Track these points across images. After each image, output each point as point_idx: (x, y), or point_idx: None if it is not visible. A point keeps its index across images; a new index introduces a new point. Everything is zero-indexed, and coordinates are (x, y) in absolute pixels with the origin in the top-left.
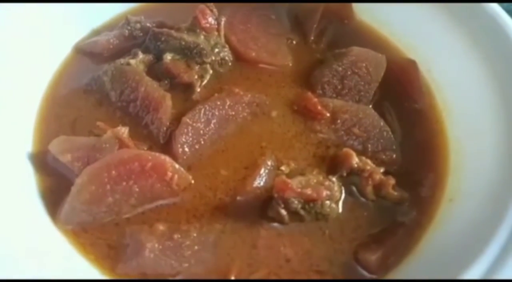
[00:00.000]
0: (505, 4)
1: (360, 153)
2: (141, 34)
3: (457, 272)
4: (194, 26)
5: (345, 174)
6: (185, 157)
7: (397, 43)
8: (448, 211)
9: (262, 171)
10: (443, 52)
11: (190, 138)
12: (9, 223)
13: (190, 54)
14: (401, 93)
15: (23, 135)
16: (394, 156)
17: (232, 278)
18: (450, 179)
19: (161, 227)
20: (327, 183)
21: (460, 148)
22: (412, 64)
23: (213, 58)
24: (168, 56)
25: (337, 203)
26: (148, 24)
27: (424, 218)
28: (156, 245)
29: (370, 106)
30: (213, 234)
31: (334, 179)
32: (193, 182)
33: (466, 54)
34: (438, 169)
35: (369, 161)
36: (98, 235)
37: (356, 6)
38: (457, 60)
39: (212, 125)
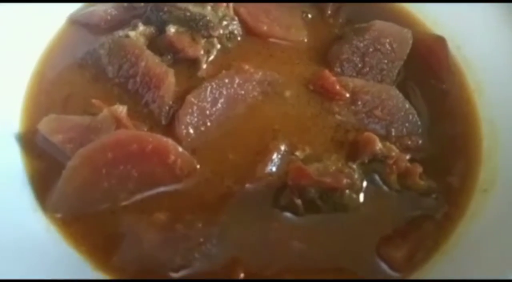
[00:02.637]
0: None
1: (382, 138)
2: (142, 4)
3: (492, 273)
4: None
5: (366, 161)
6: (189, 140)
7: (423, 17)
8: (482, 203)
9: (274, 156)
10: (474, 27)
11: (195, 119)
12: None
13: (195, 26)
14: (427, 73)
15: (10, 114)
16: (421, 141)
17: (241, 275)
18: (484, 167)
19: (161, 216)
20: (346, 170)
21: (495, 133)
22: (440, 41)
23: (221, 31)
24: (171, 29)
25: (357, 192)
26: None
27: (454, 210)
28: (156, 237)
29: (394, 86)
30: (220, 225)
31: (354, 166)
32: (198, 167)
33: (500, 29)
34: (469, 156)
35: (393, 147)
36: (91, 225)
37: None
38: (490, 36)
39: (219, 105)
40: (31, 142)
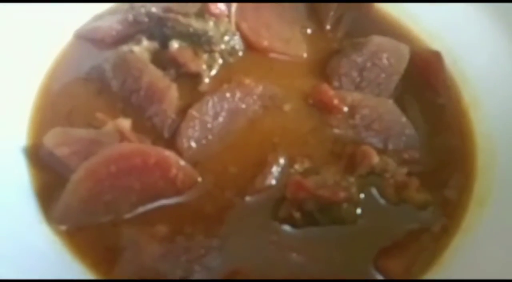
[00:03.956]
0: None
1: (380, 151)
2: (146, 19)
3: None
4: (203, 12)
5: (364, 174)
6: (191, 153)
7: (420, 32)
8: (478, 216)
9: (273, 169)
10: (471, 41)
11: (197, 133)
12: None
13: (198, 42)
14: (424, 87)
15: (17, 127)
16: (418, 155)
17: None
18: (479, 181)
19: (163, 228)
20: (344, 183)
21: (490, 147)
22: (436, 56)
23: (223, 46)
24: (174, 44)
25: (355, 205)
26: (153, 9)
27: (451, 223)
28: (157, 249)
29: (391, 100)
30: (220, 238)
31: (352, 179)
32: (199, 179)
33: (496, 44)
34: (465, 170)
35: (390, 160)
36: (94, 237)
37: None
38: (486, 51)
39: (220, 118)
40: (37, 155)
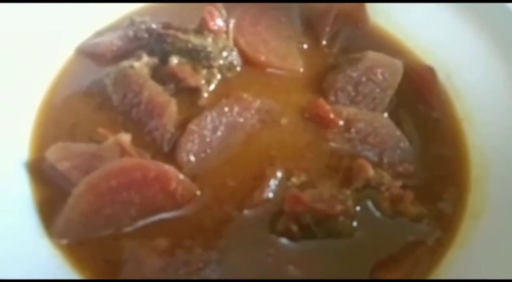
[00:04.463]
0: None
1: (375, 165)
2: (146, 35)
3: None
4: (202, 28)
5: (360, 187)
6: (190, 166)
7: (414, 48)
8: (472, 229)
9: (271, 182)
10: (464, 56)
11: (196, 147)
12: (1, 236)
13: (197, 57)
14: (418, 101)
15: (19, 142)
16: (412, 168)
17: None
18: (473, 194)
19: (162, 242)
20: (340, 196)
21: (484, 161)
22: (429, 71)
23: (221, 62)
24: (174, 59)
25: (351, 218)
26: (153, 25)
27: (445, 236)
28: (157, 262)
29: (386, 114)
30: (218, 251)
31: (348, 193)
32: (198, 193)
33: (489, 59)
34: (459, 183)
35: (385, 174)
36: (94, 250)
37: (370, 8)
38: (479, 65)
39: (219, 133)
40: (38, 169)
